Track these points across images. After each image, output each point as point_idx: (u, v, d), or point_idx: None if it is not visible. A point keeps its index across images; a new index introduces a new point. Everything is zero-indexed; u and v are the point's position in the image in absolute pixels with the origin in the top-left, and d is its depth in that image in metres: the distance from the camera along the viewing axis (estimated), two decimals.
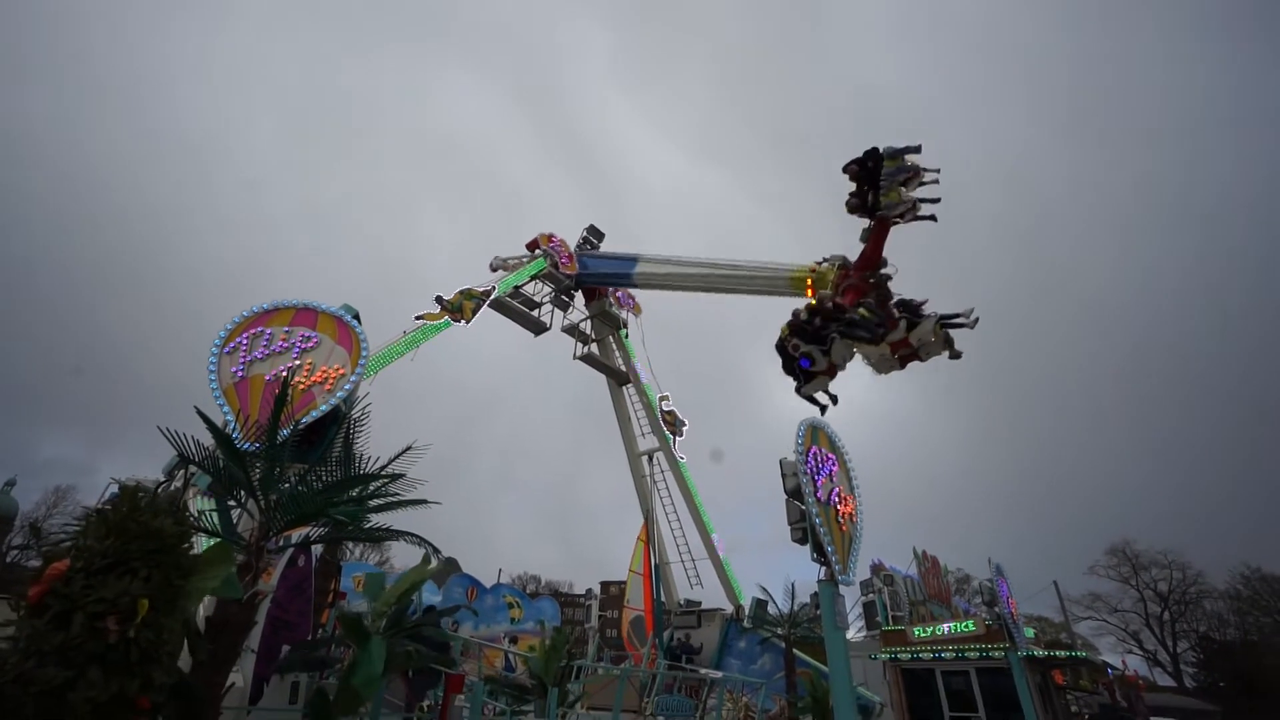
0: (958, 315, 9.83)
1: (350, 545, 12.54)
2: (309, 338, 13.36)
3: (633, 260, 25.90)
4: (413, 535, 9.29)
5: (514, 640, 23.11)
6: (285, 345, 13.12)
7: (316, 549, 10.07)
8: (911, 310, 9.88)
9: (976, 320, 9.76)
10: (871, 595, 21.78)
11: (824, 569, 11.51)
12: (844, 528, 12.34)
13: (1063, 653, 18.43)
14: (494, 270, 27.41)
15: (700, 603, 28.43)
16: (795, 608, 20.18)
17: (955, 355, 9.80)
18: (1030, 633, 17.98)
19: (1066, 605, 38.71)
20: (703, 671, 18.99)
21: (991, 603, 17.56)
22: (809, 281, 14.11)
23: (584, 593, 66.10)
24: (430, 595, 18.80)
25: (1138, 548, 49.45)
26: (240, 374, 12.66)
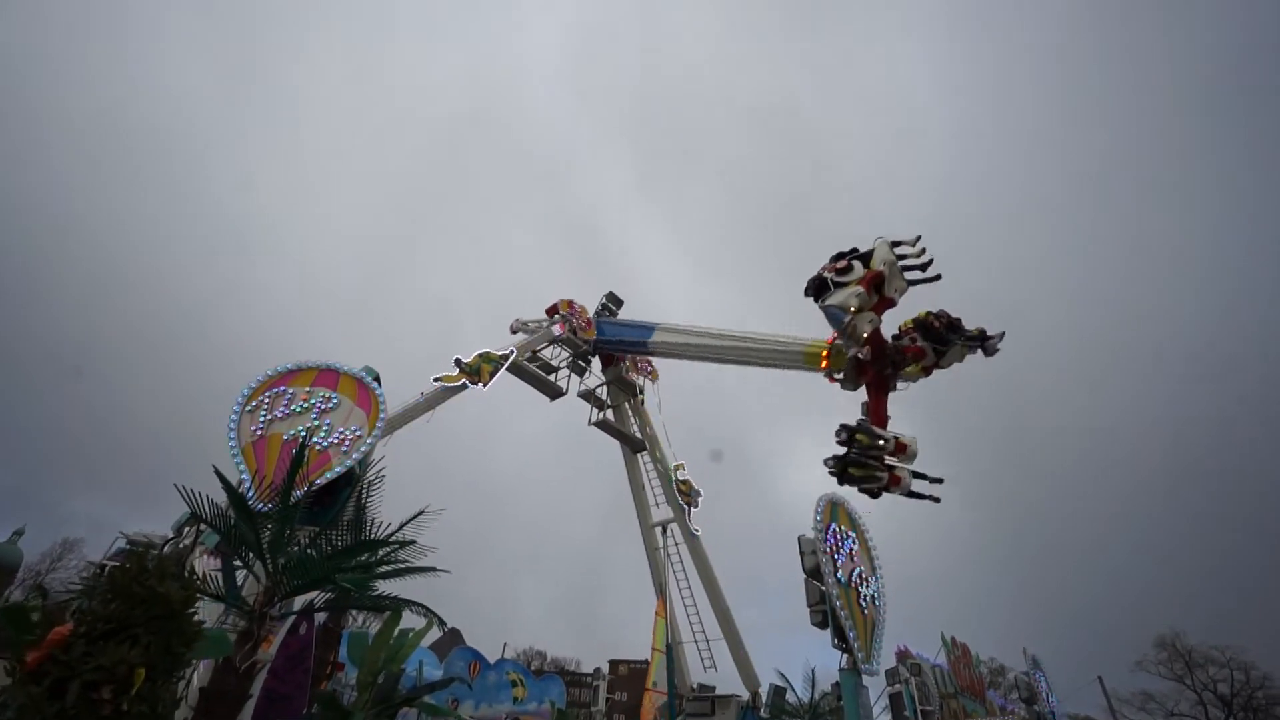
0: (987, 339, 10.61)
1: (354, 613, 12.16)
2: (329, 398, 13.58)
3: (650, 328, 26.26)
4: (417, 604, 9.02)
5: None
6: (306, 405, 13.34)
7: (320, 616, 9.80)
8: (952, 331, 10.77)
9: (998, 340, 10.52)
10: (898, 685, 20.30)
11: (846, 656, 10.84)
12: (866, 612, 11.70)
13: None
14: (514, 332, 27.87)
15: (714, 688, 26.72)
16: (816, 697, 18.83)
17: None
18: None
19: (1115, 705, 35.56)
20: None
21: (1030, 700, 16.23)
22: (824, 354, 14.17)
23: (591, 672, 62.64)
24: (431, 670, 18.00)
25: (1189, 642, 45.72)
26: (259, 432, 12.78)
